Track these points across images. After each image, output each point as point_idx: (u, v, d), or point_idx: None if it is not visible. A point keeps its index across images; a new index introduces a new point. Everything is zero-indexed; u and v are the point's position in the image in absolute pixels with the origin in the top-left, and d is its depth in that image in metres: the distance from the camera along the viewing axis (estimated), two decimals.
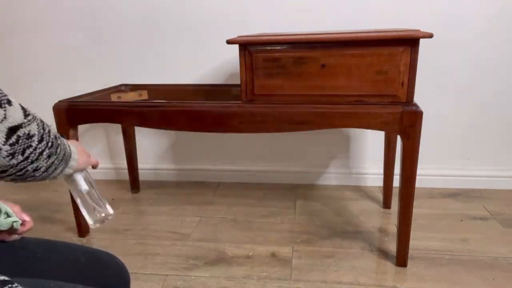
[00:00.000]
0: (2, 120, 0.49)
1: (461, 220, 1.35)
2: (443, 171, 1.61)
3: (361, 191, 1.62)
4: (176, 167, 1.79)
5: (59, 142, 0.61)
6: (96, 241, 1.30)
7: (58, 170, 0.62)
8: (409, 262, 1.12)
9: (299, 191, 1.64)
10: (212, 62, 1.60)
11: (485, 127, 1.55)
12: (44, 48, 1.69)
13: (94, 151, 1.80)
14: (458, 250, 1.18)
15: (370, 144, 1.63)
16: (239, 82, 1.06)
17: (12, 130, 0.50)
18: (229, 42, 1.02)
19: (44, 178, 0.61)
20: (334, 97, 1.01)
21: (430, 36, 0.92)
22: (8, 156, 0.51)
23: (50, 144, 0.58)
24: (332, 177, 1.69)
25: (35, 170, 0.57)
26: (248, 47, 1.01)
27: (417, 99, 1.01)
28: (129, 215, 1.48)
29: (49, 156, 0.58)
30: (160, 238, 1.30)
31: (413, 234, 1.09)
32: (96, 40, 1.64)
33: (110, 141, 1.79)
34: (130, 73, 1.66)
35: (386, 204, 1.46)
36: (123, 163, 1.68)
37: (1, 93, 0.49)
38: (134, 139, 1.60)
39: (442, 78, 1.51)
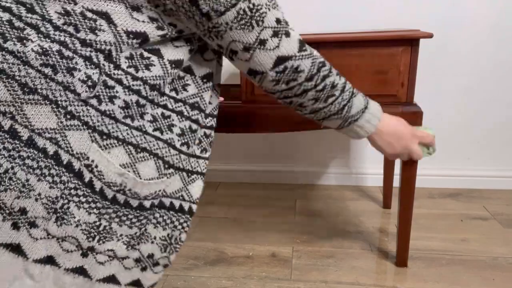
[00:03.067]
0: (274, 48, 0.54)
1: (461, 220, 1.35)
2: (443, 171, 1.61)
3: (361, 191, 1.62)
4: None
5: (338, 93, 0.62)
6: None
7: (334, 121, 0.67)
8: (409, 262, 1.12)
9: (299, 191, 1.64)
10: None
11: (485, 127, 1.55)
12: None
13: None
14: (458, 250, 1.18)
15: (370, 144, 1.63)
16: (239, 82, 1.06)
17: (282, 59, 0.55)
18: None
19: (318, 119, 0.67)
20: None
21: (430, 36, 0.92)
22: (272, 81, 0.57)
23: (319, 87, 0.60)
24: (332, 177, 1.69)
25: (300, 105, 0.63)
26: None
27: (417, 99, 1.01)
28: None
29: (315, 100, 0.62)
30: None
31: (413, 234, 1.09)
32: None
33: None
34: None
35: (386, 204, 1.46)
36: None
37: (283, 25, 0.54)
38: None
39: (442, 78, 1.51)
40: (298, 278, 1.08)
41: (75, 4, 0.47)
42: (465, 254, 1.16)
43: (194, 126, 0.58)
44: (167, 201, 0.58)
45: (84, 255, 0.50)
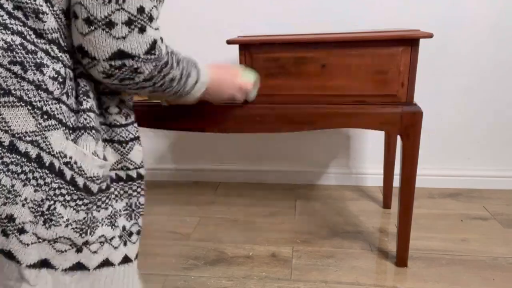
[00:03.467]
0: (120, 38, 0.46)
1: (461, 220, 1.35)
2: (443, 171, 1.61)
3: (361, 191, 1.62)
4: (175, 167, 1.79)
5: (175, 83, 0.62)
6: None
7: (168, 97, 0.66)
8: (409, 262, 1.12)
9: (299, 191, 1.64)
10: (212, 63, 1.60)
11: (485, 127, 1.55)
12: None
13: None
14: (458, 250, 1.18)
15: (370, 144, 1.63)
16: None
17: (122, 55, 0.48)
18: (229, 42, 1.02)
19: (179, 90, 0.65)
20: (334, 97, 1.01)
21: (430, 36, 0.92)
22: (103, 73, 0.50)
23: (158, 84, 0.59)
24: (332, 177, 1.69)
25: (133, 91, 0.58)
26: (249, 48, 1.01)
27: (417, 99, 1.01)
28: None
29: (151, 91, 0.59)
30: (160, 238, 1.30)
31: (413, 234, 1.09)
32: None
33: None
34: None
35: (386, 204, 1.46)
36: None
37: (143, 18, 0.48)
38: None
39: (442, 78, 1.51)
40: (298, 278, 1.08)
41: None
42: (465, 254, 1.16)
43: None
44: (113, 174, 0.58)
45: (79, 250, 0.51)
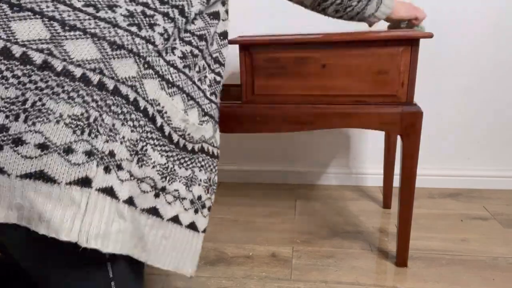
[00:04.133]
0: None
1: (461, 220, 1.35)
2: (443, 171, 1.61)
3: (361, 191, 1.62)
4: None
5: (355, 3, 0.88)
6: None
7: (354, 18, 0.93)
8: (409, 262, 1.12)
9: (299, 191, 1.64)
10: None
11: (485, 127, 1.55)
12: None
13: None
14: (458, 250, 1.18)
15: (370, 144, 1.63)
16: (239, 82, 1.07)
17: None
18: (229, 42, 1.02)
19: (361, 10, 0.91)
20: (334, 97, 1.01)
21: (430, 36, 0.92)
22: None
23: (338, 1, 0.86)
24: (332, 177, 1.69)
25: (324, 11, 0.86)
26: (249, 48, 1.01)
27: (417, 99, 1.02)
28: None
29: (335, 11, 0.87)
30: None
31: (413, 234, 1.10)
32: None
33: None
34: None
35: (386, 204, 1.46)
36: None
37: None
38: None
39: (442, 78, 1.51)
40: (298, 278, 1.08)
41: None
42: (465, 254, 1.16)
43: (218, 78, 0.66)
44: (205, 146, 0.65)
45: (157, 195, 0.55)
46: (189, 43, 0.58)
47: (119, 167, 0.49)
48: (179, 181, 0.58)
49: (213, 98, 0.65)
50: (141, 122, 0.51)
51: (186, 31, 0.58)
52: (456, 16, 1.43)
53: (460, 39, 1.45)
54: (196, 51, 0.59)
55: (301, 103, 1.03)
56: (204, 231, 0.65)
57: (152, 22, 0.53)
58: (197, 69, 0.61)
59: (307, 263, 1.14)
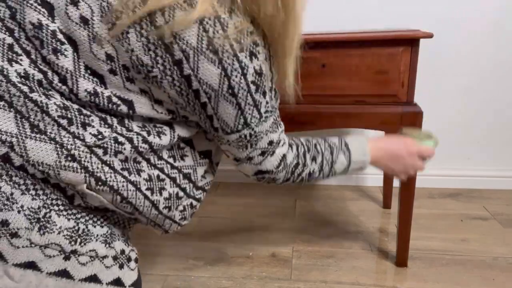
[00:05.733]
0: (257, 164, 0.64)
1: (461, 220, 1.35)
2: (443, 171, 1.61)
3: (361, 191, 1.62)
4: None
5: (317, 175, 0.73)
6: None
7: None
8: (409, 262, 1.12)
9: (299, 191, 1.64)
10: None
11: (485, 127, 1.55)
12: None
13: None
14: (458, 250, 1.18)
15: None
16: None
17: (261, 172, 0.66)
18: None
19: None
20: (334, 97, 1.01)
21: (430, 36, 0.92)
22: (255, 179, 0.69)
23: (297, 180, 0.71)
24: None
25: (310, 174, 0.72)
26: None
27: (417, 99, 1.01)
28: None
29: (298, 183, 0.73)
30: (160, 238, 1.30)
31: (413, 234, 1.09)
32: None
33: None
34: None
35: (386, 204, 1.46)
36: None
37: (273, 146, 0.63)
38: None
39: (442, 78, 1.51)
40: (298, 278, 1.08)
41: (105, 88, 0.51)
42: (465, 254, 1.16)
43: (181, 194, 0.62)
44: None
45: (67, 258, 0.52)
46: (138, 151, 0.55)
47: (14, 235, 0.48)
48: (96, 240, 0.55)
49: (165, 211, 0.61)
50: (47, 191, 0.50)
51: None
52: (456, 16, 1.43)
53: (460, 39, 1.45)
54: (139, 158, 0.56)
55: (301, 103, 1.02)
56: (133, 284, 0.62)
57: (86, 121, 0.51)
58: (144, 176, 0.57)
59: (307, 263, 1.14)
